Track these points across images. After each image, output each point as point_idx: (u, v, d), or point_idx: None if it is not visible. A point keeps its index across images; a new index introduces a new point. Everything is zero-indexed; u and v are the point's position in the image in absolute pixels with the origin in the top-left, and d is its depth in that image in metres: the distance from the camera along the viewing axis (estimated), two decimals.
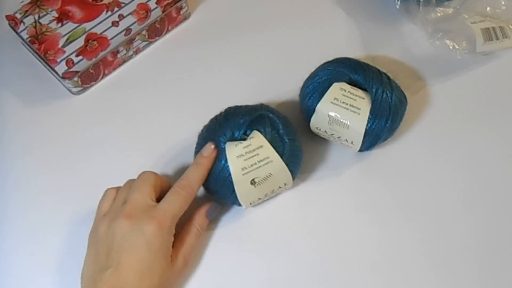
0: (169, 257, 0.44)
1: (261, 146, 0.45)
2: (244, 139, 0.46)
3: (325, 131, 0.50)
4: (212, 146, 0.46)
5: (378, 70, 0.51)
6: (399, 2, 0.57)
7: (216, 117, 0.49)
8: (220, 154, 0.46)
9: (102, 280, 0.41)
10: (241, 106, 0.49)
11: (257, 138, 0.46)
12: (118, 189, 0.48)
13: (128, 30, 0.55)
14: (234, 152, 0.45)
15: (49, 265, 0.49)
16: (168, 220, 0.44)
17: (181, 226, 0.47)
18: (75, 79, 0.55)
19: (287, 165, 0.46)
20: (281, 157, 0.46)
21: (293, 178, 0.48)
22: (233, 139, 0.47)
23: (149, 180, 0.46)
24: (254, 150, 0.45)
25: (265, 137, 0.46)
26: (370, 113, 0.48)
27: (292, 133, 0.48)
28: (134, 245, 0.42)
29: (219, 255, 0.49)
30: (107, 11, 0.55)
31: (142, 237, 0.42)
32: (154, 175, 0.47)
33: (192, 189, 0.46)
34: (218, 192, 0.48)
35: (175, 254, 0.45)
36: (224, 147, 0.46)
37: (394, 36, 0.59)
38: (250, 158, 0.45)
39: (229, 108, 0.49)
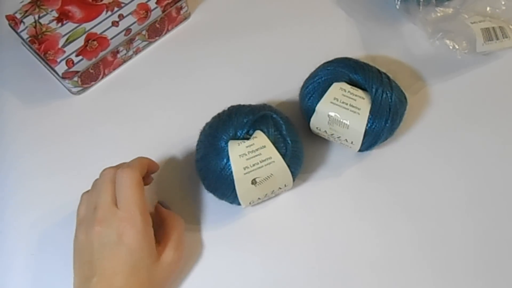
0: (154, 252, 0.44)
1: (264, 146, 0.45)
2: (247, 138, 0.46)
3: (325, 131, 0.50)
4: None
5: (378, 70, 0.51)
6: (399, 2, 0.57)
7: (219, 115, 0.49)
8: (222, 153, 0.46)
9: None
10: (244, 105, 0.49)
11: (260, 138, 0.46)
12: None
13: (128, 30, 0.55)
14: (237, 151, 0.45)
15: (49, 265, 0.49)
16: (136, 212, 0.43)
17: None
18: (75, 79, 0.55)
19: (288, 166, 0.46)
20: (283, 158, 0.46)
21: (293, 179, 0.48)
22: (235, 138, 0.47)
23: (108, 179, 0.45)
24: (257, 149, 0.45)
25: (268, 137, 0.46)
26: (370, 113, 0.48)
27: (295, 134, 0.48)
28: (113, 250, 0.42)
29: (219, 255, 0.49)
30: (107, 11, 0.55)
31: (119, 240, 0.42)
32: (112, 170, 0.45)
33: (131, 168, 0.44)
34: (218, 190, 0.48)
35: (162, 249, 0.45)
36: (226, 146, 0.46)
37: (394, 36, 0.59)
38: (253, 157, 0.45)
39: (232, 106, 0.49)
